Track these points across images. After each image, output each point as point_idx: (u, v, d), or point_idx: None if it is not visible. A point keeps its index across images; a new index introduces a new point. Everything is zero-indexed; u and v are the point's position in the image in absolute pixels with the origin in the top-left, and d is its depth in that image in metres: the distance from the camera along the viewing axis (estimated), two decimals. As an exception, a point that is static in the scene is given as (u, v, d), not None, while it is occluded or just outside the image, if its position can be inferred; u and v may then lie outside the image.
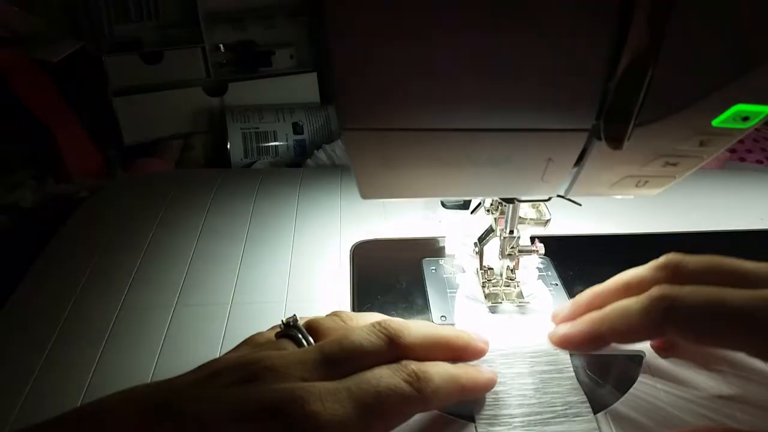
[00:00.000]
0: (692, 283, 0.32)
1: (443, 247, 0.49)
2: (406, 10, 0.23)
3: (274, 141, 0.76)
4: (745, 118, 0.27)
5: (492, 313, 0.42)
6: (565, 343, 0.36)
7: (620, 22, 0.23)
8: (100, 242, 0.52)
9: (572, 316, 0.37)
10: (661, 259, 0.35)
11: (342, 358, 0.30)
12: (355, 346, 0.31)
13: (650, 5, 0.22)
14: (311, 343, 0.33)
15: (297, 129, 0.77)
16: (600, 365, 0.37)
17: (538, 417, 0.34)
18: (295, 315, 0.35)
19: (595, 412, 0.34)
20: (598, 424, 0.33)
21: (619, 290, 0.36)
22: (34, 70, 0.77)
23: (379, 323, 0.33)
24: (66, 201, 0.64)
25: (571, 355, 0.37)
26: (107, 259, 0.50)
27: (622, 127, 0.26)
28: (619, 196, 0.34)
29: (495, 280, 0.43)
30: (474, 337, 0.36)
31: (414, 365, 0.31)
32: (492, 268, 0.43)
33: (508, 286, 0.43)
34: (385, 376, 0.30)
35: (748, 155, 0.73)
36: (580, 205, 0.37)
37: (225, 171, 0.69)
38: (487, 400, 0.35)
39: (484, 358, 0.36)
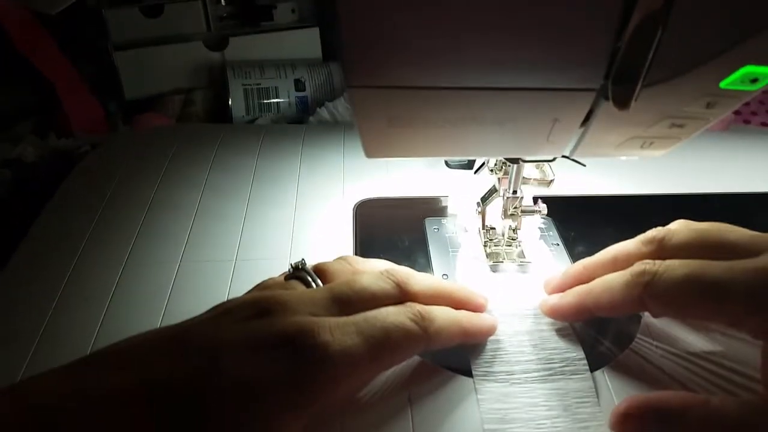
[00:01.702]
0: (676, 257, 0.33)
1: (446, 207, 0.50)
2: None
3: (276, 97, 0.75)
4: (754, 80, 0.27)
5: (493, 272, 0.42)
6: (553, 314, 0.37)
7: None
8: (103, 197, 0.52)
9: (562, 287, 0.38)
10: (647, 234, 0.36)
11: (351, 299, 0.32)
12: (364, 288, 0.33)
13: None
14: (320, 285, 0.34)
15: (299, 85, 0.76)
16: (599, 323, 0.38)
17: (536, 374, 0.34)
18: (303, 259, 0.36)
19: (592, 370, 0.35)
20: (594, 382, 0.34)
21: (607, 264, 0.37)
22: (34, 22, 0.75)
23: (387, 270, 0.35)
24: (68, 155, 0.64)
25: None
26: (111, 213, 0.50)
27: (630, 87, 0.26)
28: (624, 157, 0.34)
29: (497, 240, 0.43)
30: (475, 292, 0.37)
31: (419, 306, 0.33)
32: (494, 228, 0.44)
33: (509, 245, 0.43)
34: (392, 313, 0.31)
35: (753, 117, 0.73)
36: (584, 165, 0.37)
37: (227, 126, 0.69)
38: (485, 356, 0.35)
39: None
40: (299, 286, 0.34)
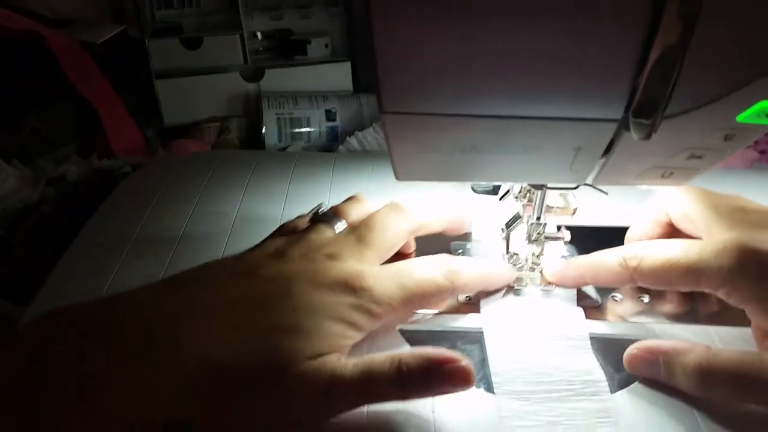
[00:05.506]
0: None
1: (471, 232, 0.51)
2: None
3: (308, 127, 0.78)
4: (769, 115, 0.28)
5: (516, 295, 0.43)
6: (556, 280, 0.43)
7: (652, 17, 0.24)
8: (142, 216, 0.54)
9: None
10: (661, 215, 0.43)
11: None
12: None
13: (681, 1, 0.24)
14: (344, 226, 0.40)
15: (330, 116, 0.79)
16: (620, 349, 0.38)
17: (557, 393, 0.35)
18: (321, 203, 0.42)
19: (613, 391, 0.35)
20: (615, 403, 0.35)
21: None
22: (80, 51, 0.80)
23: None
24: (110, 175, 0.67)
25: (591, 338, 0.39)
26: (149, 230, 0.52)
27: (650, 119, 0.28)
28: (644, 187, 0.36)
29: (520, 265, 0.45)
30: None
31: (451, 261, 0.39)
32: (518, 254, 0.45)
33: (532, 270, 0.44)
34: (426, 266, 0.38)
35: (778, 156, 0.73)
36: (607, 194, 0.38)
37: (261, 153, 0.72)
38: (508, 374, 0.36)
39: (505, 337, 0.39)
40: (326, 229, 0.39)
